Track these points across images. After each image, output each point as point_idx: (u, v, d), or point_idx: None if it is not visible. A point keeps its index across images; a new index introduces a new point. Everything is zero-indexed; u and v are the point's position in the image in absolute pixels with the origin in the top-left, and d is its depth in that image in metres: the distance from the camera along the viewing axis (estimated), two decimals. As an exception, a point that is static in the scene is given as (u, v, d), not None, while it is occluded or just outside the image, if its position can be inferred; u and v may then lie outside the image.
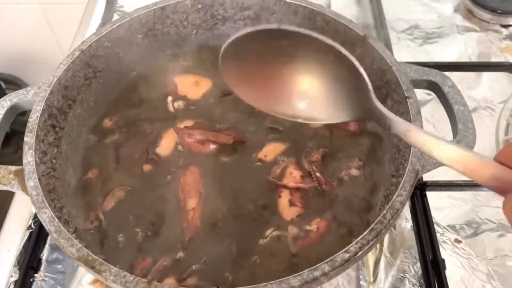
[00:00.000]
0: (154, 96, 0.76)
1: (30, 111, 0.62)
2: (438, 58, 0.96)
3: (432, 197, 0.76)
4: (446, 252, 0.71)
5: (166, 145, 0.71)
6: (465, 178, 0.80)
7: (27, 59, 1.75)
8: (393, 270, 0.71)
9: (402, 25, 1.04)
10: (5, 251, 0.73)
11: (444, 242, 0.73)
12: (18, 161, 0.59)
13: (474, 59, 0.97)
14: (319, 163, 0.66)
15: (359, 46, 0.67)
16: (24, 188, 0.54)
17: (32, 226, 0.73)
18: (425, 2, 1.08)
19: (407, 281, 0.70)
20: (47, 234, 0.73)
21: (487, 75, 0.93)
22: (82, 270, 0.72)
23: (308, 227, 0.61)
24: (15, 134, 1.12)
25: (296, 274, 0.46)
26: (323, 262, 0.46)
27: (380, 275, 0.71)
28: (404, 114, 0.59)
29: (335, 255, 0.47)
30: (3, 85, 1.76)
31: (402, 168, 0.55)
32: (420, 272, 0.70)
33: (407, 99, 0.59)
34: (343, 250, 0.47)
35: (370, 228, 0.49)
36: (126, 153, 0.69)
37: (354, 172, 0.65)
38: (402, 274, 0.70)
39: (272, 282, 0.45)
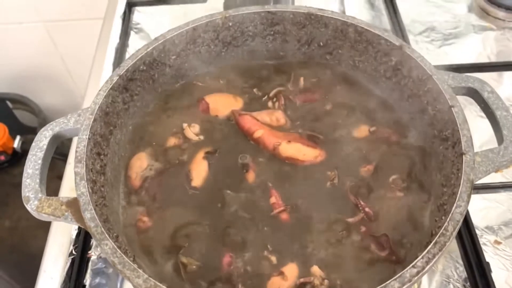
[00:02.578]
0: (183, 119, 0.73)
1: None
2: (458, 59, 0.96)
3: (468, 200, 0.77)
4: (487, 254, 0.72)
5: (198, 174, 0.67)
6: (500, 180, 0.80)
7: (32, 78, 1.73)
8: (436, 276, 0.71)
9: (418, 27, 1.04)
10: (49, 278, 0.73)
11: (484, 244, 0.73)
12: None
13: (493, 58, 0.98)
14: (364, 191, 0.64)
15: (394, 55, 0.67)
16: (79, 220, 0.54)
17: (74, 252, 0.73)
18: (438, 3, 1.08)
19: (452, 286, 0.70)
20: (88, 260, 0.73)
21: (508, 74, 0.94)
22: (125, 294, 0.72)
23: None
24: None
25: (367, 293, 0.46)
26: (392, 279, 0.46)
27: (423, 282, 0.71)
28: (449, 122, 0.59)
29: (404, 271, 0.47)
30: (10, 105, 1.75)
31: (454, 178, 0.55)
32: (464, 276, 0.70)
33: (452, 108, 0.59)
34: (411, 265, 0.47)
35: (434, 241, 0.49)
36: (165, 198, 0.66)
37: (399, 194, 0.64)
38: (446, 279, 0.71)
39: (344, 302, 0.45)
